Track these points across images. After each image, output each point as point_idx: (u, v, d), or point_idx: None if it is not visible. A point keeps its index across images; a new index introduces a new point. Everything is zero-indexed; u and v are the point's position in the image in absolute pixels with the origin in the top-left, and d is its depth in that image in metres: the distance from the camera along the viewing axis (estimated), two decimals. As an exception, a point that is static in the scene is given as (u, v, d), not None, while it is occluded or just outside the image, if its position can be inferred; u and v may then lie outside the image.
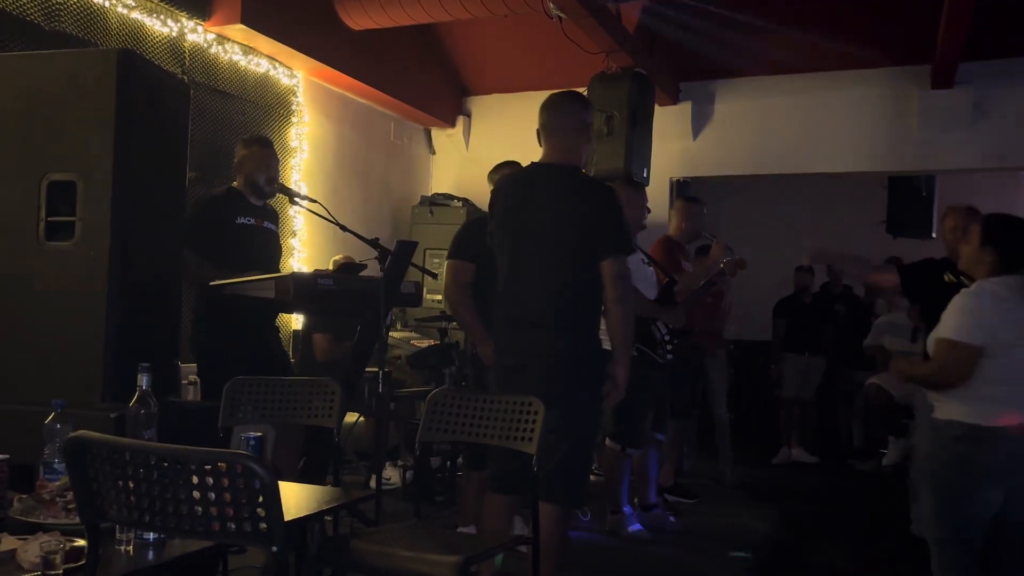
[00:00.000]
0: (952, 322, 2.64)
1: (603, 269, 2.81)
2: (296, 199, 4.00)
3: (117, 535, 1.78)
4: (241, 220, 3.78)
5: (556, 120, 2.99)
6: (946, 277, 3.67)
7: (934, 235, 7.65)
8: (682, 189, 7.02)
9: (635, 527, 4.29)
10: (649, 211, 4.59)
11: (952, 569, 2.76)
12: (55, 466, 2.08)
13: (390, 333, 5.51)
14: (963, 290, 2.71)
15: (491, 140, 7.39)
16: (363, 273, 3.99)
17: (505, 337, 2.97)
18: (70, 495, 1.90)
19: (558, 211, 2.89)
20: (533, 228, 2.91)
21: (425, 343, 5.73)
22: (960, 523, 2.72)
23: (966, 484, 2.67)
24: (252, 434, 2.18)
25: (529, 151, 3.23)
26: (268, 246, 3.96)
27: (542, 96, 3.13)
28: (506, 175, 3.35)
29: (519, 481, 2.76)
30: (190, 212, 3.71)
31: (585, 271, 2.83)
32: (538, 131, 3.04)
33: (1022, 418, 2.58)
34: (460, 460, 4.82)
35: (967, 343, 2.60)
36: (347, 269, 4.10)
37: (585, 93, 6.02)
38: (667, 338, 4.21)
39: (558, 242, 2.87)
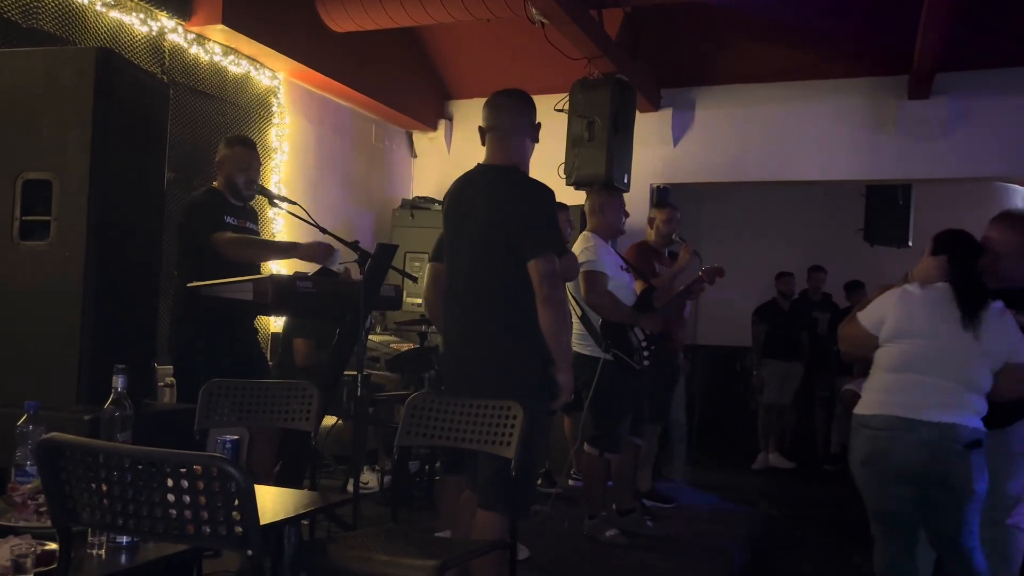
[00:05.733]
0: (868, 306, 2.91)
1: (530, 270, 2.73)
2: (276, 201, 3.98)
3: (89, 538, 1.76)
4: (228, 220, 3.76)
5: (501, 121, 2.93)
6: None
7: (910, 244, 7.75)
8: (662, 195, 7.06)
9: (612, 532, 4.30)
10: (627, 215, 4.62)
11: (879, 558, 2.90)
12: (27, 469, 2.06)
13: (369, 336, 5.50)
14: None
15: (473, 144, 7.18)
16: (343, 276, 3.97)
17: (451, 341, 2.97)
18: (42, 498, 1.88)
19: (487, 215, 2.84)
20: (467, 233, 2.89)
21: (405, 347, 5.72)
22: (873, 514, 2.88)
23: (854, 473, 2.87)
24: (228, 437, 2.16)
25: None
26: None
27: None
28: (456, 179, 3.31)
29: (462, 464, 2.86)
30: (194, 215, 3.66)
31: (515, 273, 2.75)
32: (481, 129, 2.98)
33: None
34: (438, 464, 4.81)
35: (861, 324, 2.89)
36: (323, 275, 4.08)
37: (567, 99, 6.07)
38: (644, 344, 4.22)
39: (487, 246, 2.82)
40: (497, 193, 2.86)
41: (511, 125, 2.93)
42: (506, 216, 2.80)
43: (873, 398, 2.82)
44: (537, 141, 3.00)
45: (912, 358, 2.75)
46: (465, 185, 2.98)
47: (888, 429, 2.74)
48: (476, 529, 2.76)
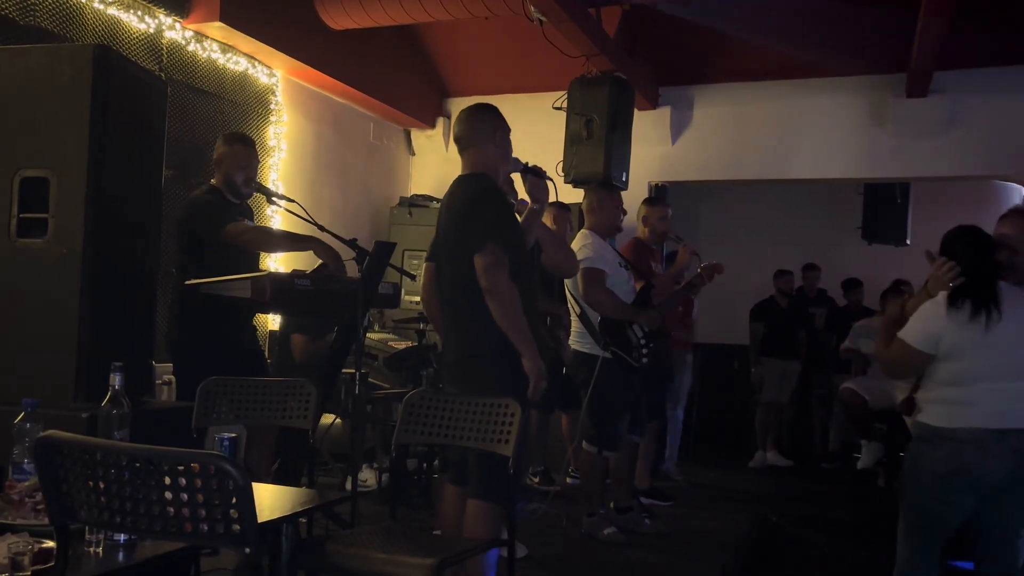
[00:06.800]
0: (909, 325, 2.80)
1: (475, 263, 2.84)
2: (274, 198, 3.97)
3: (87, 536, 1.76)
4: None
5: (468, 132, 3.09)
6: None
7: (908, 242, 7.76)
8: (659, 193, 7.06)
9: (610, 530, 4.30)
10: (625, 213, 4.61)
11: (907, 565, 2.84)
12: (24, 466, 2.05)
13: (367, 335, 5.49)
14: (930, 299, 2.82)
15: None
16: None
17: (442, 339, 3.19)
18: (39, 496, 1.87)
19: (452, 220, 3.02)
20: (443, 236, 3.09)
21: (403, 345, 5.71)
22: (923, 518, 2.82)
23: (924, 483, 2.78)
24: (226, 435, 2.16)
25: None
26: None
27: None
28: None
29: (467, 475, 2.89)
30: (199, 214, 3.63)
31: (473, 270, 2.88)
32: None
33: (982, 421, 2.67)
34: (436, 462, 4.81)
35: (912, 346, 2.76)
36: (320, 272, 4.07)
37: (565, 97, 6.07)
38: (643, 341, 4.22)
39: (453, 248, 2.99)
40: (455, 197, 3.05)
41: (470, 135, 3.09)
42: (461, 217, 2.96)
43: (952, 411, 2.72)
44: (500, 145, 3.10)
45: (981, 368, 2.69)
46: (446, 193, 3.16)
47: (977, 441, 2.66)
48: (468, 519, 2.79)
